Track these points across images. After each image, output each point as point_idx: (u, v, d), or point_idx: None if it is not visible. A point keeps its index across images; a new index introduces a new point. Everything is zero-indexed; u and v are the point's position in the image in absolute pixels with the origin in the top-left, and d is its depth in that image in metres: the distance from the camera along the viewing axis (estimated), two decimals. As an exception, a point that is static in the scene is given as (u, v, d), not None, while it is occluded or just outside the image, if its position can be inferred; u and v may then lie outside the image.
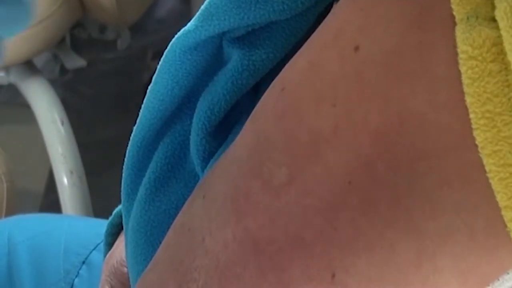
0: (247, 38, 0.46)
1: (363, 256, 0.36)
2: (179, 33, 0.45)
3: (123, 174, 0.55)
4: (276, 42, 0.46)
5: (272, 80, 0.43)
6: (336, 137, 0.36)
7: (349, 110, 0.36)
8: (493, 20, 0.34)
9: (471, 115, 0.34)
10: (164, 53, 0.46)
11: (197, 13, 0.44)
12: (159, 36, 1.64)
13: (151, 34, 1.62)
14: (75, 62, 1.63)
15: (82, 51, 1.61)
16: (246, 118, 0.43)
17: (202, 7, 0.44)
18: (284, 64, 0.43)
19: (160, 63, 0.47)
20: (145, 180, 0.53)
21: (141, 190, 0.53)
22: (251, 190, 0.37)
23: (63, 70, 1.72)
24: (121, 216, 0.65)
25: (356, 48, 0.37)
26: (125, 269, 0.68)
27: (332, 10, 0.44)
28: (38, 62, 1.72)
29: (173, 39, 0.46)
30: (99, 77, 1.86)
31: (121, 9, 1.47)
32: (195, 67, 0.47)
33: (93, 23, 1.58)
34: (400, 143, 0.35)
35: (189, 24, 0.45)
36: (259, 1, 0.44)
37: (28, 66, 1.66)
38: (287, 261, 0.37)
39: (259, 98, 0.42)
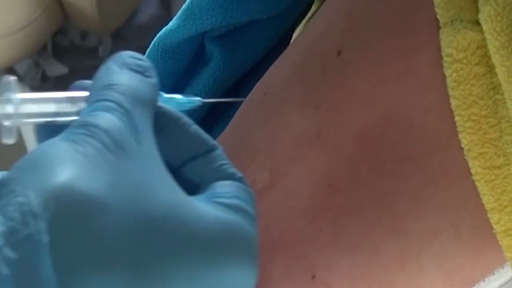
0: (228, 36, 0.46)
1: (346, 256, 0.36)
2: (161, 32, 0.45)
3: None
4: (257, 40, 0.46)
5: (254, 77, 0.43)
6: (319, 140, 0.36)
7: (332, 113, 0.37)
8: (478, 23, 0.34)
9: (457, 118, 0.34)
10: (147, 52, 0.46)
11: (179, 12, 0.45)
12: (141, 43, 1.64)
13: (132, 41, 1.62)
14: (56, 69, 1.63)
15: (64, 58, 1.61)
16: (228, 116, 0.43)
17: (184, 6, 0.45)
18: (265, 62, 0.43)
19: None
20: None
21: None
22: None
23: (45, 77, 1.71)
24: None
25: (339, 52, 0.37)
26: None
27: (316, 13, 0.44)
28: (20, 69, 1.71)
29: (155, 38, 0.46)
30: (81, 84, 1.85)
31: (103, 16, 1.46)
32: (178, 66, 0.47)
33: (75, 30, 1.58)
34: (384, 144, 0.35)
35: (171, 23, 0.45)
36: (241, 0, 0.44)
37: (10, 74, 1.65)
38: (268, 262, 0.37)
39: (240, 95, 0.42)
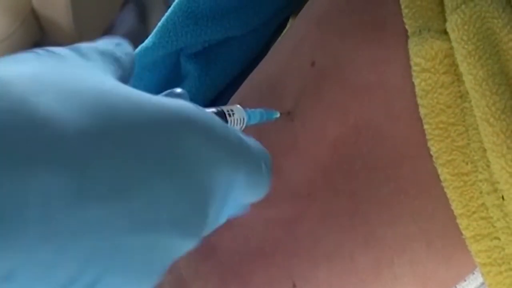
0: (204, 53, 0.46)
1: (322, 265, 0.36)
2: (136, 50, 0.45)
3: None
4: (233, 57, 0.46)
5: (230, 94, 0.43)
6: (296, 150, 0.37)
7: (307, 123, 0.37)
8: (445, 32, 0.34)
9: (426, 126, 0.34)
10: None
11: (154, 30, 0.45)
12: (118, 57, 1.63)
13: None
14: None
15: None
16: None
17: (159, 23, 0.45)
18: (242, 79, 0.43)
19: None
20: None
21: None
22: None
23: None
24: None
25: (313, 64, 0.38)
26: None
27: (290, 26, 0.45)
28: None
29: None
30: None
31: (79, 30, 1.45)
32: (154, 83, 0.46)
33: (51, 44, 1.56)
34: (357, 153, 0.35)
35: (146, 41, 0.45)
36: (216, 17, 0.44)
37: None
38: (248, 272, 0.37)
39: None
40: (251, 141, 0.29)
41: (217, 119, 0.27)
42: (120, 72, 0.27)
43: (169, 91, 0.31)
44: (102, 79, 0.24)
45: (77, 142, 0.21)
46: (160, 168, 0.24)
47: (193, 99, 0.44)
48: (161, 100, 0.25)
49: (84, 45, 0.27)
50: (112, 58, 0.28)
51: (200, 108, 0.26)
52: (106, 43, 0.28)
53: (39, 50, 0.24)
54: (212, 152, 0.25)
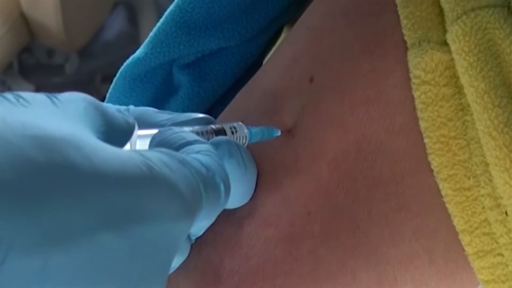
0: (197, 64, 0.45)
1: (324, 285, 0.35)
2: (128, 61, 0.44)
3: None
4: (226, 68, 0.46)
5: (224, 106, 0.42)
6: (296, 168, 0.36)
7: (307, 139, 0.36)
8: (445, 43, 0.34)
9: (426, 140, 0.34)
10: (114, 81, 0.45)
11: (146, 40, 0.44)
12: (108, 60, 1.62)
13: (99, 58, 1.59)
14: (22, 87, 1.61)
15: (30, 76, 1.59)
16: None
17: (151, 34, 0.44)
18: (235, 90, 0.42)
19: (109, 90, 0.46)
20: None
21: None
22: (214, 221, 0.35)
23: (11, 96, 1.68)
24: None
25: (312, 79, 0.37)
26: None
27: (285, 35, 0.44)
28: (-15, 88, 1.68)
29: (122, 66, 0.45)
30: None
31: (69, 34, 1.44)
32: (146, 95, 0.46)
33: (41, 48, 1.56)
34: (357, 170, 0.35)
35: (138, 51, 0.44)
36: (209, 27, 0.43)
37: (-25, 93, 1.62)
38: None
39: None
40: (211, 159, 0.29)
41: (178, 173, 0.27)
42: (104, 128, 0.27)
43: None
44: (60, 126, 0.24)
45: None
46: (109, 222, 0.23)
47: (186, 110, 0.45)
48: (124, 156, 0.24)
49: (66, 95, 0.27)
50: (98, 112, 0.27)
51: (168, 159, 0.26)
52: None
53: (8, 95, 0.24)
54: (170, 209, 0.25)
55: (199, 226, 0.33)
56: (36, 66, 1.56)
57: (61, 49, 1.52)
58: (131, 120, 0.30)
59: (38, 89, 1.55)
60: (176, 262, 0.34)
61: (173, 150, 0.28)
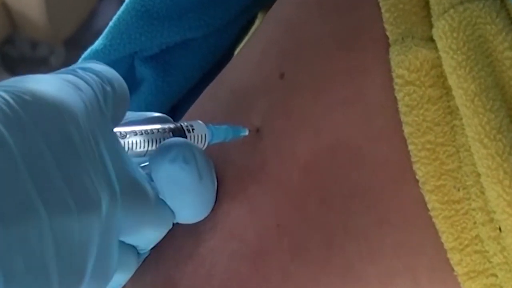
0: (161, 57, 0.43)
1: None
2: (85, 53, 0.42)
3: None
4: (193, 60, 0.44)
5: (191, 103, 0.40)
6: (264, 174, 0.34)
7: (276, 143, 0.34)
8: (431, 40, 0.32)
9: (410, 147, 0.32)
10: None
11: (105, 31, 0.42)
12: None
13: (87, 48, 1.58)
14: (6, 81, 1.58)
15: (14, 70, 1.56)
16: None
17: (111, 23, 0.42)
18: (203, 85, 0.40)
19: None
20: None
21: None
22: (174, 234, 0.34)
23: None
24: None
25: (282, 75, 0.35)
26: None
27: (257, 25, 0.42)
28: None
29: (79, 60, 0.43)
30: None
31: (53, 23, 1.42)
32: None
33: (24, 39, 1.54)
34: (332, 178, 0.33)
35: (96, 43, 0.42)
36: (173, 17, 0.41)
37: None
38: None
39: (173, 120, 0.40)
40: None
41: None
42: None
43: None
44: None
45: None
46: None
47: (148, 107, 0.42)
48: None
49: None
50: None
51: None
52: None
53: None
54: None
55: (143, 237, 0.31)
56: (19, 59, 1.55)
57: (45, 40, 1.50)
58: None
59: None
60: (121, 278, 0.32)
61: None
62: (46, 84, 0.27)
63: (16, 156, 0.24)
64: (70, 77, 0.29)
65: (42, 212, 0.24)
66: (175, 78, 0.43)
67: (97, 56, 0.42)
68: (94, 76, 0.30)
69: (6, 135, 0.24)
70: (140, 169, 0.31)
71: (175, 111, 0.44)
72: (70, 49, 1.54)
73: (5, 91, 0.26)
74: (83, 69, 0.30)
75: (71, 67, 0.30)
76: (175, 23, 0.41)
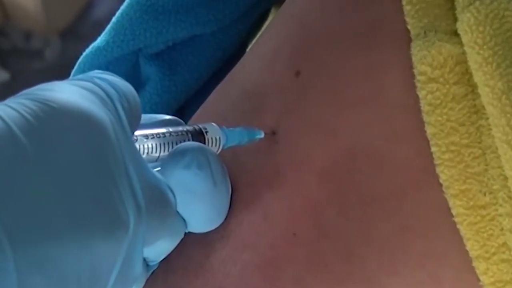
0: (167, 54, 0.42)
1: None
2: (87, 50, 0.41)
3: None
4: (201, 58, 0.43)
5: (199, 103, 0.39)
6: (279, 180, 0.33)
7: (291, 147, 0.33)
8: (456, 34, 0.31)
9: (433, 149, 0.31)
10: (71, 74, 0.42)
11: (108, 26, 0.41)
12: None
13: (86, 40, 1.57)
14: (-2, 74, 1.58)
15: (6, 63, 1.56)
16: None
17: (114, 19, 0.41)
18: (212, 85, 0.39)
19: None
20: None
21: None
22: (183, 243, 0.33)
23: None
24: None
25: (297, 73, 0.34)
26: None
27: (268, 25, 0.40)
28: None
29: (81, 57, 0.42)
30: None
31: (48, 14, 1.42)
32: None
33: (17, 30, 1.54)
34: (350, 184, 0.32)
35: (98, 40, 0.41)
36: (180, 11, 0.40)
37: None
38: None
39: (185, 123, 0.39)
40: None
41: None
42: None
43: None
44: None
45: None
46: None
47: (154, 108, 0.41)
48: None
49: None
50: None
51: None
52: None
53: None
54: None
55: (157, 249, 0.31)
56: (13, 51, 1.55)
57: (40, 31, 1.50)
58: None
59: (15, 76, 1.53)
60: None
61: None
62: (70, 93, 0.27)
63: (39, 174, 0.24)
64: (95, 88, 0.28)
65: (66, 238, 0.24)
66: (182, 77, 0.43)
67: (99, 54, 0.41)
68: (112, 89, 0.29)
69: (28, 148, 0.24)
70: (161, 177, 0.30)
71: (182, 112, 0.43)
72: (66, 40, 1.54)
73: (28, 98, 0.26)
74: (101, 79, 0.29)
75: (88, 75, 0.30)
76: (182, 18, 0.41)
